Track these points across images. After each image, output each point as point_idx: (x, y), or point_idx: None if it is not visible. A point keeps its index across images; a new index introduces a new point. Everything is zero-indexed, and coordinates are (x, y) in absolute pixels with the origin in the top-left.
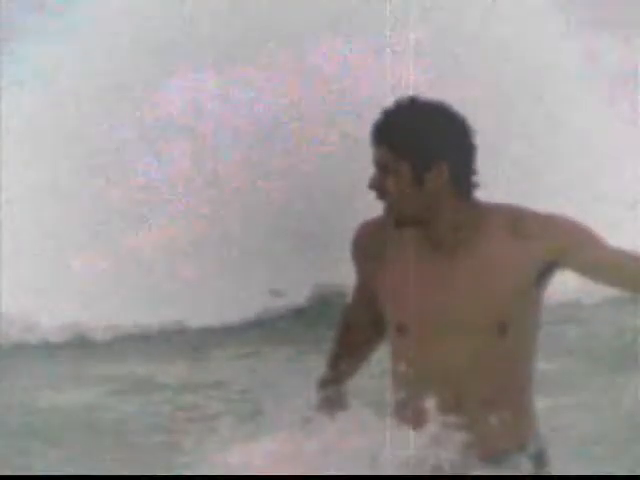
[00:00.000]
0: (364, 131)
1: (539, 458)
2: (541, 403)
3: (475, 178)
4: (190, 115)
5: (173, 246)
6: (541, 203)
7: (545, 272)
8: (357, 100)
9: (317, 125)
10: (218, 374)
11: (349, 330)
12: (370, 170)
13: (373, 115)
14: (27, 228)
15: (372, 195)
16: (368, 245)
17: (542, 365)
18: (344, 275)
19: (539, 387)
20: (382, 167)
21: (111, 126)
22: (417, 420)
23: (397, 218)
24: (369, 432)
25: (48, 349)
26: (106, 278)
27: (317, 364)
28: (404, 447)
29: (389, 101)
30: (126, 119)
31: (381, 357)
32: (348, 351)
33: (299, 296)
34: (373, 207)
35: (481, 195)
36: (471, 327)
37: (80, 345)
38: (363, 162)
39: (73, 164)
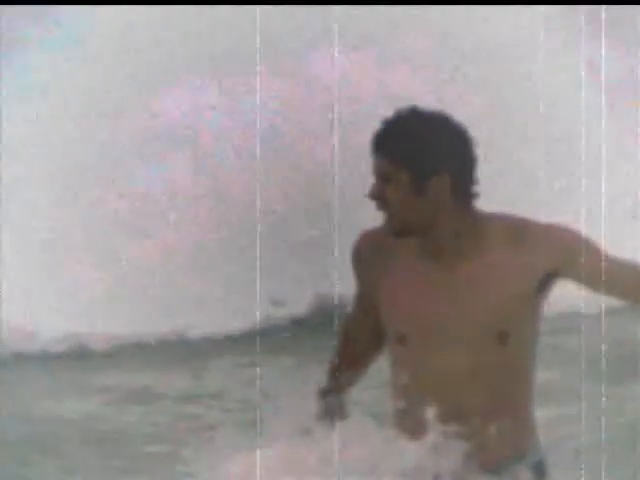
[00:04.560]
0: (364, 140)
1: (539, 468)
2: (541, 412)
3: (475, 188)
4: (190, 125)
5: (173, 256)
6: (541, 211)
7: (545, 282)
8: (357, 109)
9: (317, 135)
10: (218, 384)
11: (349, 340)
12: (370, 180)
13: (373, 125)
14: (27, 238)
15: (372, 205)
16: (368, 255)
17: (542, 374)
18: (344, 285)
19: (539, 396)
20: (382, 177)
21: (111, 136)
22: (417, 430)
23: (397, 228)
24: (369, 442)
25: (47, 359)
26: (106, 288)
27: (317, 374)
28: (404, 457)
29: (389, 111)
30: (126, 129)
31: (381, 367)
32: (348, 361)
33: (299, 306)
34: (373, 217)
35: (481, 204)
36: (471, 336)
37: (79, 355)
38: (363, 172)
39: (73, 174)
